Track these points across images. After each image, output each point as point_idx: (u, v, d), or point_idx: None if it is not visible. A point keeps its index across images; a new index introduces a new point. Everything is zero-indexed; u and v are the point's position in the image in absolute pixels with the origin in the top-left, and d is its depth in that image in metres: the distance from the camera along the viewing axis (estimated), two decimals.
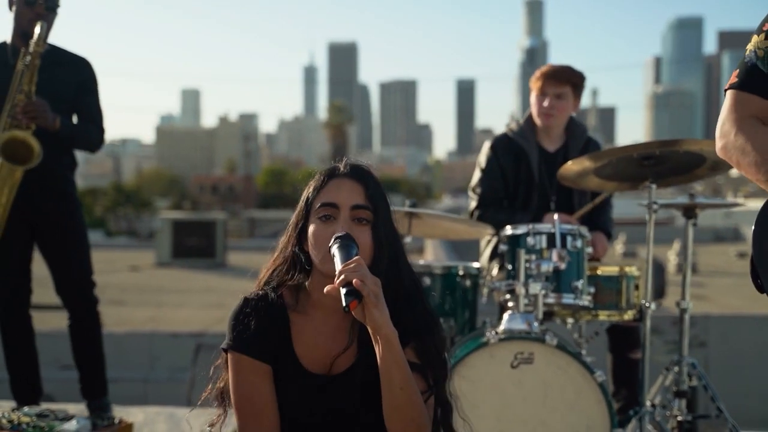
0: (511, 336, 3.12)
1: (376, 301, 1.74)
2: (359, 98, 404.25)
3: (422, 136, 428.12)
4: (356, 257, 1.78)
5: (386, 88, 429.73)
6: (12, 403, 4.06)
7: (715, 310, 13.26)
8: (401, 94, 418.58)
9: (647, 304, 3.37)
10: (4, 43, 3.90)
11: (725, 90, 2.22)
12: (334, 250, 1.83)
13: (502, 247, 3.47)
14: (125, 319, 11.25)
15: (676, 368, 3.53)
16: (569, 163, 3.41)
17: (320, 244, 1.89)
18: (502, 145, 4.08)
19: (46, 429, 3.35)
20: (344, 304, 1.72)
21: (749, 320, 9.14)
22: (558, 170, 3.91)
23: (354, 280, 1.72)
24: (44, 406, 3.87)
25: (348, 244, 1.84)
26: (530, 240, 3.35)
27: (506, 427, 3.10)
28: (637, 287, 3.58)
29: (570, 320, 3.68)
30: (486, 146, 4.13)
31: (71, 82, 3.96)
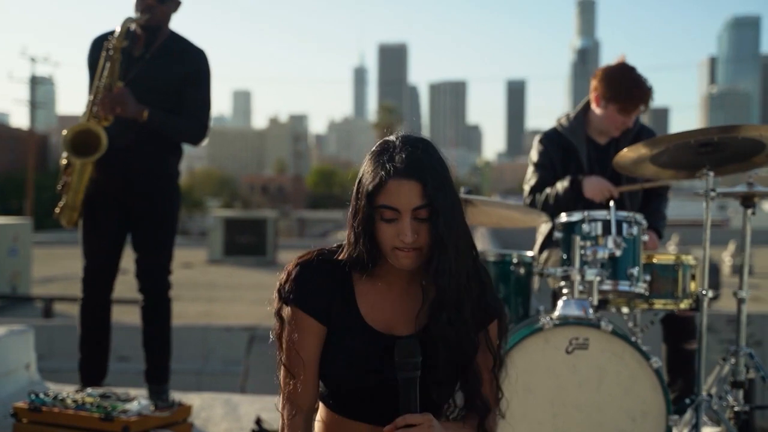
0: (566, 321, 3.13)
1: None
2: (409, 99, 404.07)
3: (472, 137, 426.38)
4: (417, 419, 1.85)
5: (436, 89, 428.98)
6: (74, 387, 4.17)
7: None
8: (451, 95, 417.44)
9: (704, 292, 3.35)
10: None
11: None
12: (400, 382, 1.89)
13: (557, 234, 3.48)
14: (179, 313, 11.33)
15: (732, 359, 3.51)
16: (625, 150, 3.39)
17: (386, 243, 1.94)
18: (552, 139, 4.09)
19: (109, 408, 3.44)
20: None
21: None
22: (610, 161, 3.93)
23: None
24: (106, 388, 3.98)
25: (410, 380, 1.88)
26: (585, 227, 3.35)
27: (561, 412, 3.11)
28: (693, 277, 3.56)
29: (625, 309, 3.68)
30: (536, 141, 4.16)
31: (177, 73, 4.01)
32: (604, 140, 4.05)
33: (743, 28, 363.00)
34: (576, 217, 3.41)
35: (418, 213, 1.92)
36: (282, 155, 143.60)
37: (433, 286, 1.93)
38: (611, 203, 3.39)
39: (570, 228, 3.41)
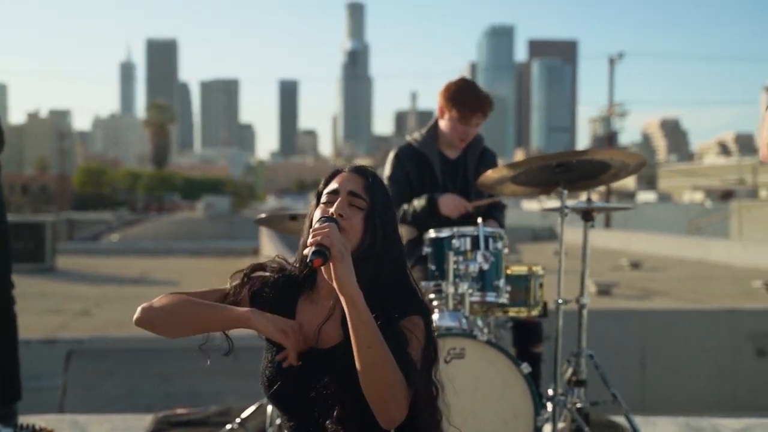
0: (444, 333, 3.31)
1: (340, 257, 1.91)
2: (179, 97, 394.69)
3: (245, 136, 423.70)
4: (330, 223, 1.98)
5: (207, 87, 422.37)
6: None
7: None
8: (223, 94, 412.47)
9: (560, 301, 3.66)
10: None
11: None
12: (316, 222, 2.03)
13: (426, 249, 3.66)
14: None
15: (573, 359, 3.85)
16: (489, 172, 3.64)
17: (313, 224, 2.07)
18: (406, 153, 4.26)
19: None
20: (308, 260, 1.93)
21: (593, 314, 9.81)
22: (459, 175, 4.20)
23: (319, 238, 1.92)
24: None
25: (329, 218, 2.03)
26: (455, 242, 3.55)
27: None
28: (541, 285, 3.87)
29: (480, 316, 3.92)
30: (391, 156, 4.31)
31: None
32: (454, 155, 4.29)
33: (499, 36, 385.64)
34: (445, 233, 3.60)
35: (354, 200, 2.09)
36: (44, 153, 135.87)
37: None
38: (479, 220, 3.61)
39: (440, 243, 3.60)
